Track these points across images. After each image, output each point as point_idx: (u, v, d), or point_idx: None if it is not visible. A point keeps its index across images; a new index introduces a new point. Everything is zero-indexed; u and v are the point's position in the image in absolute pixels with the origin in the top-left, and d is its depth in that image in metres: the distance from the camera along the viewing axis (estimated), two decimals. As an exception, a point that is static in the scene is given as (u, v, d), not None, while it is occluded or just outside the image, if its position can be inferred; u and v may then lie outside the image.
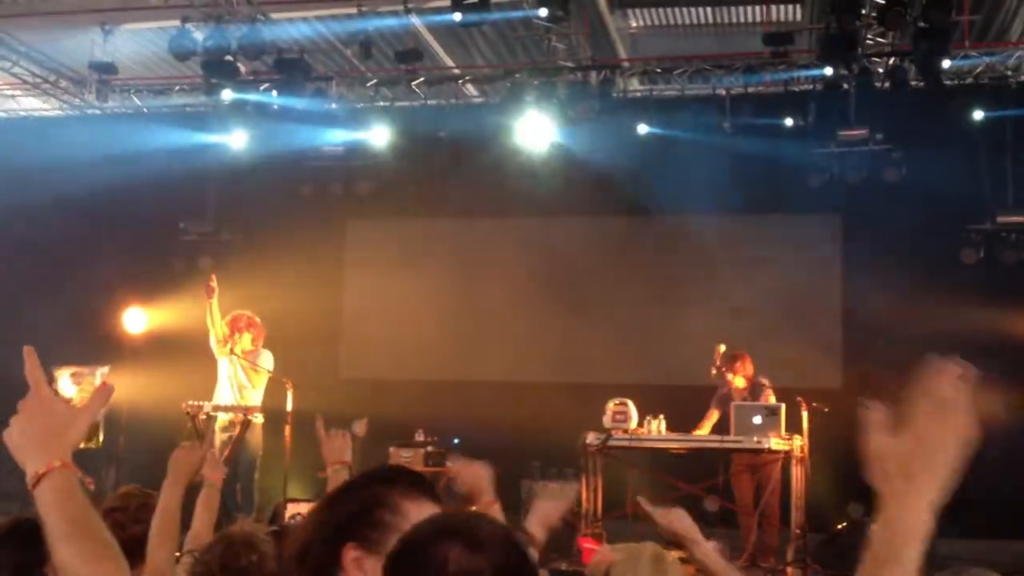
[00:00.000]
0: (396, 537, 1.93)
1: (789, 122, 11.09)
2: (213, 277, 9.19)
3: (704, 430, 9.24)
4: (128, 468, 10.55)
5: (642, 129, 11.38)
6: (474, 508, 3.24)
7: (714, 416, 9.29)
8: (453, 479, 3.34)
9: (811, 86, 11.27)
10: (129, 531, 3.56)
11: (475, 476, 3.30)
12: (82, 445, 2.00)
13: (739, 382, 9.20)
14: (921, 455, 1.48)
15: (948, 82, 10.77)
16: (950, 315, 10.61)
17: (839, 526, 9.20)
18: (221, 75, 10.99)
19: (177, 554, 3.53)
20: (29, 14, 11.08)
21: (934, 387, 1.48)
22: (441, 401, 11.02)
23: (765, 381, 9.24)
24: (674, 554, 3.13)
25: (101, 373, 10.84)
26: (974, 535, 9.51)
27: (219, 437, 8.80)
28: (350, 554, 1.93)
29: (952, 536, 9.31)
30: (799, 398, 8.95)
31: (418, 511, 2.00)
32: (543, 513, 3.25)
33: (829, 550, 8.79)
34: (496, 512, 3.22)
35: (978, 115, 10.67)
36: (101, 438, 9.98)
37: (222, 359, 9.19)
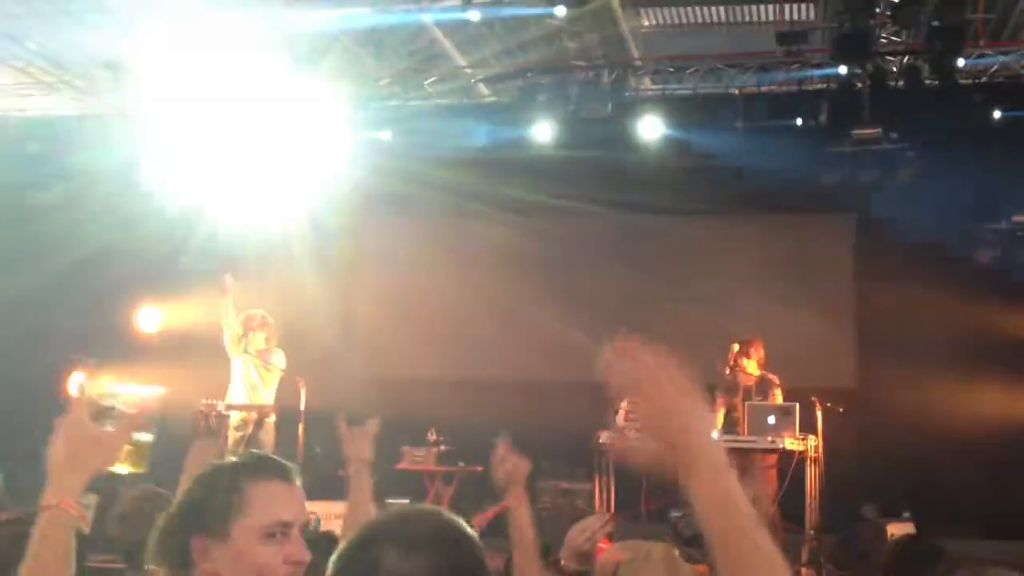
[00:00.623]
0: (242, 519, 1.94)
1: (802, 121, 11.05)
2: (228, 276, 9.21)
3: (717, 426, 9.22)
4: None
5: (654, 128, 11.34)
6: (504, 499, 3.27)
7: (722, 409, 9.28)
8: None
9: (824, 85, 11.21)
10: (141, 535, 3.55)
11: (515, 468, 3.34)
12: (127, 470, 2.04)
13: (752, 367, 9.18)
14: (647, 436, 1.55)
15: (963, 81, 10.71)
16: (965, 315, 10.58)
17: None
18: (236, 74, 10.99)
19: None
20: (43, 12, 11.10)
21: (627, 376, 1.52)
22: (454, 400, 11.02)
23: (774, 378, 9.22)
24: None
25: (154, 394, 10.85)
26: (998, 536, 9.49)
27: (232, 436, 8.83)
28: (197, 545, 1.93)
29: (974, 537, 9.31)
30: (813, 398, 8.92)
31: (262, 491, 2.00)
32: (575, 546, 3.27)
33: (844, 551, 8.76)
34: (523, 505, 3.23)
35: (995, 114, 10.60)
36: (148, 463, 9.82)
37: (236, 358, 9.22)
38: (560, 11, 9.77)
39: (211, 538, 1.95)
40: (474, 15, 9.78)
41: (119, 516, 3.83)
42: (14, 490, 10.47)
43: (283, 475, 2.06)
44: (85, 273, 12.26)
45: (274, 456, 2.09)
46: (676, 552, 3.09)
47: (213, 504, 1.97)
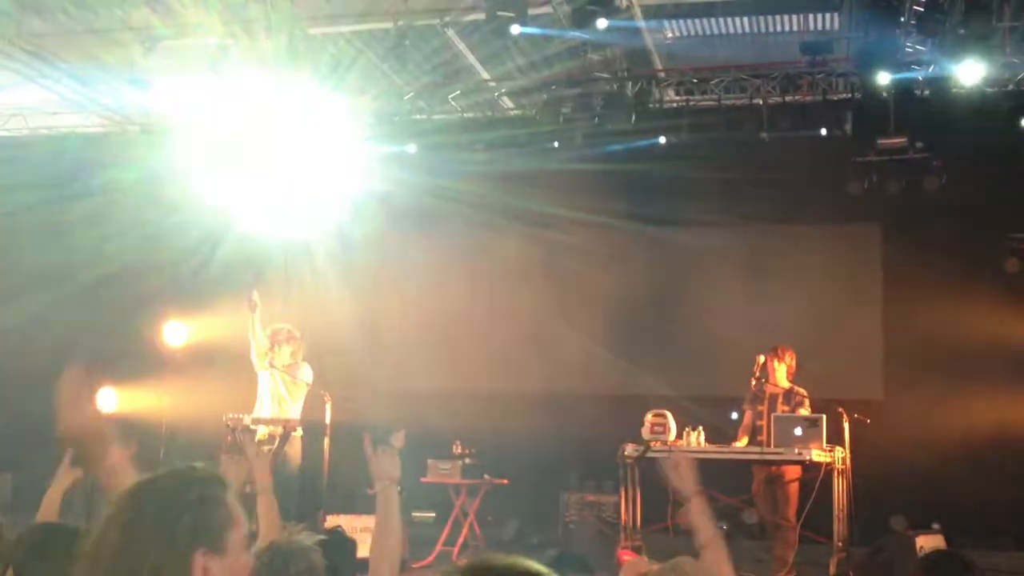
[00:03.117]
0: (235, 534, 1.96)
1: (827, 131, 11.00)
2: (255, 293, 9.26)
3: (744, 439, 9.18)
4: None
5: (679, 139, 11.33)
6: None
7: (748, 419, 9.24)
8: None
9: (849, 95, 11.17)
10: None
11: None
12: None
13: (781, 376, 9.11)
14: None
15: (988, 89, 10.64)
16: (993, 325, 10.49)
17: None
18: (259, 90, 11.06)
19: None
20: (71, 32, 11.23)
21: None
22: (479, 413, 11.02)
23: (802, 391, 9.17)
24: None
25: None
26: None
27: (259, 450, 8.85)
28: (199, 562, 1.93)
29: (1004, 549, 9.23)
30: (840, 409, 8.87)
31: (238, 507, 2.04)
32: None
33: (872, 563, 8.68)
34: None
35: (1020, 123, 10.52)
36: None
37: (262, 372, 9.26)
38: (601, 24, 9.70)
39: (213, 555, 1.96)
40: (515, 29, 9.72)
41: None
42: (20, 500, 10.55)
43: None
44: (112, 288, 12.36)
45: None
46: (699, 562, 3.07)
47: (211, 520, 1.98)
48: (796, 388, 9.17)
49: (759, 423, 9.10)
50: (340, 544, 3.71)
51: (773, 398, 9.13)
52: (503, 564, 1.82)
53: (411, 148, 11.96)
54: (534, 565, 1.83)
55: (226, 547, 1.96)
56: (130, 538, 1.93)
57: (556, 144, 11.49)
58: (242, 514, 2.03)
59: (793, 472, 8.83)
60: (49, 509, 4.17)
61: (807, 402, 9.06)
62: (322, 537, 4.19)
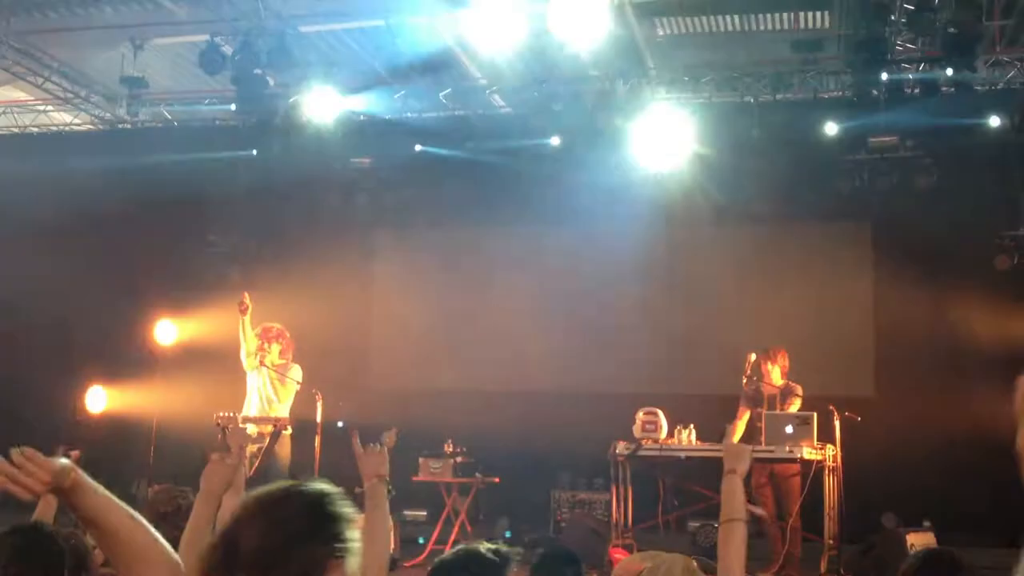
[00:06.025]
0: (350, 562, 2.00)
1: (819, 129, 11.01)
2: (246, 295, 9.21)
3: (737, 434, 9.15)
4: (158, 479, 10.59)
5: (669, 137, 11.31)
6: None
7: (745, 416, 9.20)
8: None
9: (840, 93, 11.19)
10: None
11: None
12: None
13: (776, 376, 9.09)
14: None
15: (979, 88, 10.67)
16: (984, 322, 10.51)
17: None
18: (250, 88, 11.05)
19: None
20: (60, 29, 11.19)
21: None
22: (470, 411, 11.00)
23: (796, 387, 9.15)
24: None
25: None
26: (1020, 545, 9.38)
27: (248, 448, 8.81)
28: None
29: (995, 546, 9.22)
30: (831, 407, 8.87)
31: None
32: None
33: (862, 561, 8.68)
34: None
35: (1009, 120, 10.55)
36: None
37: (252, 371, 9.23)
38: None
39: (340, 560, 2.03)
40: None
41: (160, 518, 3.97)
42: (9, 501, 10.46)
43: None
44: (103, 286, 12.32)
45: None
46: (695, 564, 3.05)
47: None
48: (790, 384, 9.15)
49: (758, 424, 9.05)
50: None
51: (772, 398, 9.12)
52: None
53: (405, 146, 11.88)
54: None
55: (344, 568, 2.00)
56: (278, 540, 1.99)
57: (546, 143, 11.50)
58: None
59: (795, 467, 8.81)
60: (45, 513, 4.18)
61: (796, 399, 9.05)
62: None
